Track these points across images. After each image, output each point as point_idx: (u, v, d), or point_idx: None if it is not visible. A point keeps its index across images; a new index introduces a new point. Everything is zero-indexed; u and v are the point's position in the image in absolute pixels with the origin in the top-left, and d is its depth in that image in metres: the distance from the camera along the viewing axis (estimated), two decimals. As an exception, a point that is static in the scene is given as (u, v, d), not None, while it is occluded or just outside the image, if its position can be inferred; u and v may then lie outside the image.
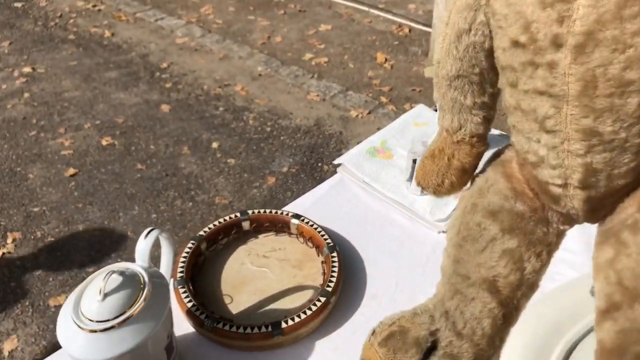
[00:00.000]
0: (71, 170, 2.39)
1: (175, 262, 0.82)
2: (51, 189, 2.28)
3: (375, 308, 0.84)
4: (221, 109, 2.87)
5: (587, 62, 0.45)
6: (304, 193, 1.07)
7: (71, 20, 3.81)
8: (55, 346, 0.75)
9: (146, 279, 0.65)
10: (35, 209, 2.17)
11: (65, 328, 0.62)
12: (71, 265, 1.93)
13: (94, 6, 4.02)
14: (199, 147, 2.57)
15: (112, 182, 2.33)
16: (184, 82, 3.10)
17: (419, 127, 1.20)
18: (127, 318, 0.62)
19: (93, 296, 0.62)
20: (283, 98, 2.98)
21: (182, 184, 2.33)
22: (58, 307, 1.77)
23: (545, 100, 0.49)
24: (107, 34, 3.64)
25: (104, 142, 2.58)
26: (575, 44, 0.45)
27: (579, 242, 0.94)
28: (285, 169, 2.43)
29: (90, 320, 0.61)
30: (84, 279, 1.82)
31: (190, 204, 2.22)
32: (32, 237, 2.05)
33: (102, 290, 0.61)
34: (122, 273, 0.64)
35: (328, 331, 0.80)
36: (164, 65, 3.28)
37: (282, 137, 2.65)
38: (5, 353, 1.64)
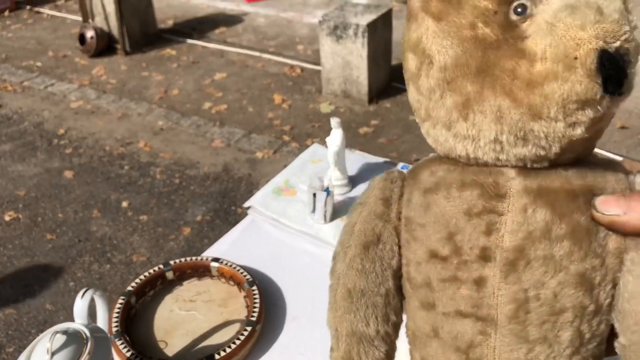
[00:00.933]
0: (-25, 251, 2.31)
1: (109, 318, 0.89)
2: (-45, 273, 2.19)
3: (296, 329, 0.95)
4: (126, 167, 2.89)
5: (518, 282, 0.41)
6: (220, 238, 1.17)
7: (-47, 96, 3.67)
8: None
9: (88, 334, 0.73)
10: (-60, 297, 2.08)
11: (16, 392, 0.68)
12: (-12, 348, 1.87)
13: (-23, 79, 3.89)
14: (108, 208, 2.57)
15: (22, 257, 2.28)
16: (85, 146, 3.08)
17: (315, 164, 1.35)
18: (74, 372, 0.69)
19: (41, 356, 0.68)
20: (188, 149, 3.05)
21: (97, 248, 2.33)
22: (-20, 393, 1.71)
23: (470, 325, 0.43)
24: (-5, 106, 3.54)
25: (7, 218, 2.51)
26: (505, 260, 0.41)
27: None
28: (199, 218, 2.49)
29: (40, 380, 0.67)
30: (4, 359, 1.77)
31: (108, 266, 2.22)
32: (-59, 326, 1.96)
33: (50, 350, 0.68)
34: (65, 332, 0.71)
35: (257, 356, 0.90)
36: (61, 131, 3.24)
37: (192, 187, 2.71)
38: None
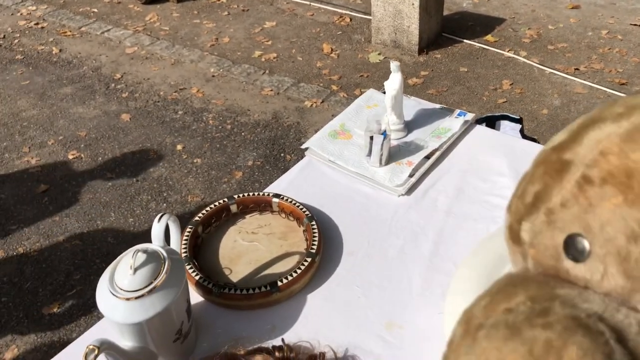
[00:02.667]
0: (42, 187, 2.46)
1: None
2: (25, 206, 2.35)
3: (353, 262, 1.00)
4: (180, 112, 2.97)
5: None
6: (271, 184, 1.21)
7: (16, 41, 3.80)
8: (57, 349, 0.87)
9: (165, 254, 0.79)
10: (13, 227, 2.24)
11: (105, 301, 0.75)
12: (57, 275, 2.02)
13: (37, 24, 4.02)
14: (164, 150, 2.67)
15: (85, 193, 2.42)
16: (140, 91, 3.18)
17: (371, 109, 1.37)
18: (154, 287, 0.76)
19: (125, 271, 0.75)
20: (239, 96, 3.10)
21: (154, 187, 2.44)
22: (52, 315, 1.86)
23: None
24: (55, 50, 3.65)
25: (70, 156, 2.65)
26: None
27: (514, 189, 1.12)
28: (250, 163, 2.56)
29: (125, 291, 0.74)
30: (72, 286, 1.92)
31: (165, 205, 2.33)
32: (15, 253, 2.12)
33: (133, 266, 0.75)
34: (145, 251, 0.77)
35: (316, 285, 0.96)
36: (118, 76, 3.34)
37: (243, 133, 2.78)
38: (8, 363, 1.72)
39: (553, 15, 3.86)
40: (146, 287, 0.75)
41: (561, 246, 0.42)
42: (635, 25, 3.67)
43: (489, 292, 0.45)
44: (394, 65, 1.21)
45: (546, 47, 3.48)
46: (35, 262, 2.08)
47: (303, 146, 1.28)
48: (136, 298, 0.74)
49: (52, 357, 0.87)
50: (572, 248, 0.41)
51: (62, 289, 1.96)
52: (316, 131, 1.32)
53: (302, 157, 1.27)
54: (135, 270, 0.75)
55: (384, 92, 1.28)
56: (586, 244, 0.41)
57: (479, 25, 3.76)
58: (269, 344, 0.84)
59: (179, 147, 2.69)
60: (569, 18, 3.81)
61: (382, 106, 1.36)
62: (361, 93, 1.45)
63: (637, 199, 0.39)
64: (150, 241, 0.83)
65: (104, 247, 2.13)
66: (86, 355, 0.66)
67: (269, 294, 0.91)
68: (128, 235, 2.16)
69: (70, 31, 3.91)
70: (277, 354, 0.82)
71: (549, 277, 0.44)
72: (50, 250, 2.13)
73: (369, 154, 1.18)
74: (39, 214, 2.30)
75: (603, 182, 0.41)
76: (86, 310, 1.87)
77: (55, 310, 1.88)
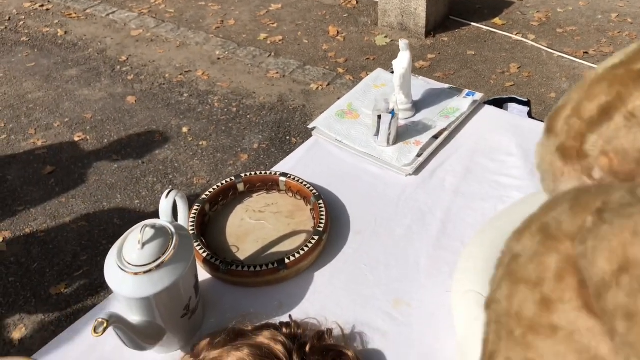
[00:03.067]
0: (48, 168, 2.46)
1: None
2: (32, 188, 2.35)
3: (360, 241, 0.99)
4: (186, 95, 2.96)
5: None
6: (277, 164, 1.21)
7: (21, 22, 3.79)
8: (64, 328, 0.87)
9: (173, 230, 0.79)
10: (20, 208, 2.25)
11: (113, 275, 0.75)
12: (64, 256, 2.03)
13: (42, 6, 4.00)
14: (170, 133, 2.67)
15: (91, 175, 2.42)
16: (146, 73, 3.17)
17: (379, 88, 1.35)
18: (162, 262, 0.76)
19: (133, 246, 0.75)
20: (244, 78, 3.09)
21: (159, 170, 2.44)
22: (60, 295, 1.88)
23: None
24: (60, 32, 3.64)
25: (76, 138, 2.65)
26: None
27: (523, 170, 1.11)
28: (256, 146, 2.56)
29: (133, 266, 0.74)
30: (79, 267, 1.93)
31: (170, 187, 2.33)
32: (22, 234, 2.13)
33: (141, 241, 0.75)
34: (153, 226, 0.77)
35: (323, 263, 0.96)
36: (123, 58, 3.33)
37: (248, 116, 2.77)
38: (16, 342, 1.74)
39: (562, -2, 3.81)
40: (154, 262, 0.75)
41: None
42: (645, 8, 3.62)
43: (563, 200, 0.44)
44: (402, 43, 1.19)
45: (555, 30, 3.44)
46: (42, 242, 2.09)
47: (310, 126, 1.27)
48: (144, 273, 0.74)
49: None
50: None
51: (69, 269, 1.97)
52: (322, 113, 1.31)
53: (308, 138, 1.27)
54: (144, 245, 0.75)
55: (392, 72, 1.27)
56: None
57: (486, 8, 3.72)
58: (277, 320, 0.84)
59: (185, 129, 2.68)
60: (579, 1, 3.76)
61: (389, 86, 1.34)
62: (367, 75, 1.43)
63: None
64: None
65: (110, 229, 2.13)
66: (95, 328, 0.67)
67: (277, 271, 0.91)
68: (134, 217, 2.17)
69: (76, 13, 3.89)
70: (284, 330, 0.82)
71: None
72: (57, 231, 2.13)
73: (377, 133, 1.17)
74: (45, 195, 2.31)
75: None
76: (93, 291, 1.88)
77: (62, 290, 1.89)
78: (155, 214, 0.82)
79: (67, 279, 1.93)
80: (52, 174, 2.43)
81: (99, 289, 1.89)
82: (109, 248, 0.79)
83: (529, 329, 0.39)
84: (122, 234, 0.81)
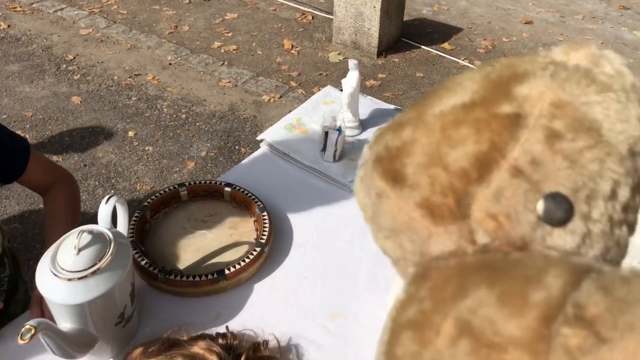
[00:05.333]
0: (-18, 166, 2.35)
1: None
2: (-37, 186, 2.24)
3: (301, 254, 1.01)
4: (134, 98, 2.91)
5: None
6: (225, 172, 1.20)
7: (-39, 12, 3.62)
8: None
9: (111, 237, 0.78)
10: (-52, 207, 2.13)
11: (44, 280, 0.73)
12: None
13: (-15, -4, 3.84)
14: (115, 136, 2.61)
15: (28, 176, 2.32)
16: (93, 74, 3.09)
17: (328, 105, 1.38)
18: (99, 268, 0.74)
19: (68, 251, 0.74)
20: (195, 85, 3.06)
21: (102, 173, 2.37)
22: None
23: None
24: (3, 25, 3.50)
25: (14, 137, 2.54)
26: None
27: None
28: (203, 154, 2.53)
29: (67, 271, 0.73)
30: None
31: (112, 191, 2.27)
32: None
33: (77, 246, 0.73)
34: (90, 232, 0.76)
35: (264, 275, 0.96)
36: (70, 57, 3.23)
37: (197, 123, 2.74)
38: None
39: (507, 28, 3.99)
40: (89, 268, 0.74)
41: (538, 208, 0.37)
42: (583, 43, 3.83)
43: (470, 283, 0.36)
44: (352, 63, 1.22)
45: (499, 58, 3.59)
46: (-29, 244, 1.98)
47: (258, 137, 1.28)
48: (79, 279, 0.73)
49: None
50: (553, 208, 0.36)
51: None
52: (272, 125, 1.32)
53: (257, 149, 1.27)
54: (80, 250, 0.74)
55: (342, 90, 1.30)
56: (569, 201, 0.36)
57: (437, 32, 3.85)
58: (213, 331, 0.84)
59: (131, 133, 2.63)
60: (522, 32, 3.95)
61: (338, 103, 1.37)
62: (319, 91, 1.46)
63: (609, 148, 0.37)
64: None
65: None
66: (22, 335, 0.65)
67: (216, 282, 0.91)
68: (72, 221, 2.10)
69: (21, 7, 3.75)
70: (220, 340, 0.82)
71: (515, 251, 0.38)
72: (-12, 232, 2.04)
73: (324, 148, 1.19)
74: (-23, 194, 2.20)
75: (574, 133, 0.37)
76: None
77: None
78: (94, 219, 0.81)
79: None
80: (-14, 172, 2.32)
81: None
82: (43, 252, 0.77)
83: None
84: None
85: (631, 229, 0.39)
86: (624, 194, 0.37)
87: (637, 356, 0.27)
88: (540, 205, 0.37)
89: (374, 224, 0.46)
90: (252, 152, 1.27)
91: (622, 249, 0.39)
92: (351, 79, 1.22)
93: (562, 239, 0.37)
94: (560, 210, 0.36)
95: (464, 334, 0.33)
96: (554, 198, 0.36)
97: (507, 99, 0.39)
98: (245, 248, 1.00)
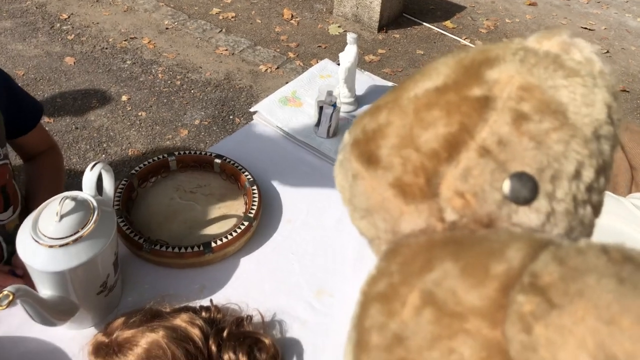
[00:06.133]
0: (-29, 124, 2.31)
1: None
2: (-49, 143, 2.20)
3: (290, 230, 0.99)
4: (129, 62, 2.85)
5: None
6: (218, 142, 1.19)
7: (-47, -37, 3.52)
8: None
9: (95, 204, 0.76)
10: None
11: (25, 246, 0.72)
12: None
13: (-21, -52, 3.72)
14: (108, 100, 2.56)
15: (18, 136, 2.29)
16: (88, 34, 3.02)
17: (324, 79, 1.35)
18: (81, 236, 0.73)
19: (50, 217, 0.72)
20: (192, 52, 3.01)
21: (94, 137, 2.34)
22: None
23: None
24: (-3, -21, 3.41)
25: (4, 95, 2.50)
26: None
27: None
28: (197, 122, 2.50)
29: (49, 238, 0.71)
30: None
31: (103, 155, 2.24)
32: None
33: (59, 212, 0.71)
34: (74, 199, 0.74)
35: (251, 249, 0.95)
36: (64, 16, 3.16)
37: (192, 91, 2.70)
38: None
39: (511, 9, 3.93)
40: (71, 235, 0.72)
41: (504, 187, 0.38)
42: (585, 28, 3.79)
43: (436, 258, 0.37)
44: (350, 37, 1.19)
45: (501, 39, 3.54)
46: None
47: (252, 109, 1.25)
48: (60, 246, 0.71)
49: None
50: (518, 187, 0.38)
51: None
52: (268, 97, 1.30)
53: (251, 121, 1.25)
54: (62, 217, 0.72)
55: (339, 64, 1.27)
56: (534, 181, 0.38)
57: (439, 10, 3.78)
58: (197, 303, 0.83)
59: (124, 97, 2.59)
60: (525, 14, 3.89)
61: (335, 77, 1.35)
62: (317, 63, 1.43)
63: (574, 130, 0.38)
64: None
65: (34, 194, 2.03)
66: (0, 300, 0.63)
67: (201, 254, 0.89)
68: (61, 184, 2.08)
69: (16, -38, 3.65)
70: (203, 314, 0.81)
71: (481, 229, 0.39)
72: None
73: (318, 124, 1.17)
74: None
75: (540, 114, 0.38)
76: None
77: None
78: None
79: None
80: (-25, 130, 2.29)
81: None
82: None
83: None
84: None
85: (596, 210, 0.41)
86: (587, 174, 0.39)
87: (584, 319, 0.29)
88: (506, 184, 0.38)
89: (350, 205, 0.48)
90: (247, 122, 1.25)
91: (586, 228, 0.41)
92: (349, 53, 1.20)
93: (527, 216, 0.38)
94: (525, 189, 0.38)
95: (428, 304, 0.34)
96: (520, 177, 0.38)
97: (478, 82, 0.40)
98: (233, 221, 0.99)
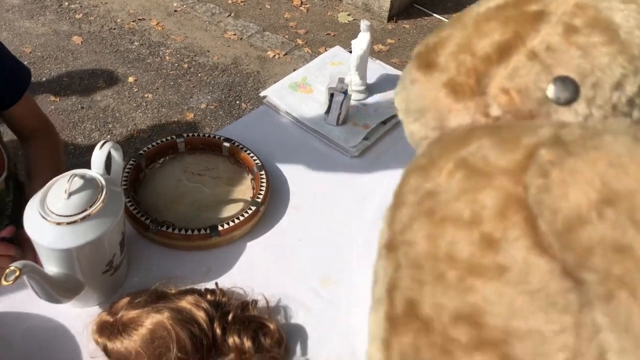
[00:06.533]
0: (-23, 100, 2.30)
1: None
2: (-44, 119, 2.19)
3: (297, 215, 0.99)
4: (136, 43, 2.84)
5: None
6: (224, 127, 1.17)
7: (-38, -63, 3.49)
8: None
9: (104, 183, 0.75)
10: (-59, 138, 2.09)
11: (33, 222, 0.71)
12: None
13: None
14: (115, 80, 2.55)
15: (24, 113, 2.28)
16: (96, 14, 3.00)
17: (335, 66, 1.34)
18: (89, 215, 0.72)
19: (58, 195, 0.71)
20: (200, 35, 2.99)
21: (99, 117, 2.33)
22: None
23: None
24: (6, -45, 3.38)
25: (11, 72, 2.49)
26: None
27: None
28: (203, 106, 2.49)
29: (57, 215, 0.71)
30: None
31: (109, 136, 2.24)
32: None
33: (68, 190, 0.71)
34: (83, 177, 0.74)
35: (258, 234, 0.95)
36: (73, -6, 3.14)
37: (199, 74, 2.69)
38: None
39: (523, 3, 3.89)
40: (79, 213, 0.72)
41: (547, 87, 0.42)
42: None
43: (474, 136, 0.42)
44: (364, 24, 1.18)
45: (512, 33, 3.51)
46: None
47: (261, 94, 1.24)
48: (68, 224, 0.71)
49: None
50: (560, 89, 0.41)
51: (-11, 209, 1.87)
52: (276, 82, 1.28)
53: (257, 107, 1.24)
54: (70, 194, 0.71)
55: (350, 51, 1.26)
56: (576, 85, 0.41)
57: (450, 1, 3.75)
58: (202, 286, 0.83)
59: (131, 79, 2.57)
60: (538, 8, 3.85)
61: (346, 65, 1.33)
62: (326, 51, 1.41)
63: (623, 47, 0.40)
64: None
65: (39, 172, 2.03)
66: (6, 276, 0.63)
67: (208, 237, 0.89)
68: (66, 162, 2.07)
69: (25, -62, 3.62)
70: (209, 296, 0.81)
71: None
72: (-20, 167, 2.01)
73: (328, 111, 1.16)
74: (-29, 128, 2.16)
75: (590, 29, 0.41)
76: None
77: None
78: (89, 164, 0.78)
79: None
80: (-19, 106, 2.28)
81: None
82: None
83: (468, 271, 0.36)
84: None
85: None
86: (630, 88, 0.41)
87: (595, 164, 0.32)
88: (549, 86, 0.42)
89: (406, 112, 0.52)
90: (253, 108, 1.24)
91: None
92: (362, 41, 1.18)
93: (566, 117, 0.41)
94: (566, 91, 0.41)
95: (461, 168, 0.39)
96: (563, 80, 0.41)
97: (536, 1, 0.44)
98: (240, 205, 0.98)
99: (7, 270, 0.63)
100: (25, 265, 0.65)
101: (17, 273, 0.63)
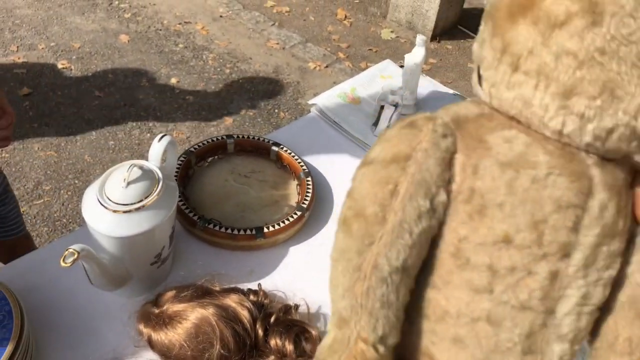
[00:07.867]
0: (25, 90, 2.37)
1: (171, 170, 0.93)
2: (5, 106, 2.26)
3: (341, 225, 0.98)
4: (181, 45, 2.89)
5: (586, 276, 0.41)
6: (261, 136, 1.17)
7: None
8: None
9: (160, 175, 0.76)
10: (-11, 124, 2.15)
11: (91, 209, 0.72)
12: (26, 182, 1.96)
13: None
14: (158, 81, 2.60)
15: (69, 106, 2.34)
16: (144, 15, 3.07)
17: (385, 80, 1.34)
18: (144, 205, 0.73)
19: (117, 183, 0.72)
20: (243, 42, 3.03)
21: (141, 115, 2.37)
22: (15, 219, 1.81)
23: (531, 317, 0.41)
24: (62, -47, 3.49)
25: (59, 65, 2.55)
26: (585, 257, 0.40)
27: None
28: (242, 112, 2.51)
29: (114, 203, 0.72)
30: (40, 196, 1.87)
31: (148, 135, 2.27)
32: (-14, 151, 2.04)
33: (127, 179, 0.72)
34: (141, 167, 0.75)
35: (301, 239, 0.94)
36: (123, -6, 3.22)
37: (240, 81, 2.72)
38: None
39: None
40: (136, 203, 0.73)
41: None
42: None
43: None
44: (420, 38, 1.18)
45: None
46: (5, 163, 2.01)
47: (310, 101, 1.25)
48: (124, 212, 0.72)
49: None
50: None
51: (29, 196, 1.91)
52: (315, 94, 1.29)
53: (295, 117, 1.24)
54: (129, 184, 0.73)
55: (401, 66, 1.26)
56: None
57: (494, 25, 3.73)
58: (245, 286, 0.83)
59: (174, 80, 2.62)
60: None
61: (396, 78, 1.33)
62: (367, 66, 1.42)
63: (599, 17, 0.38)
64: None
65: (79, 164, 2.07)
66: (65, 258, 0.64)
67: (253, 238, 0.89)
68: (106, 157, 2.11)
69: (82, -62, 3.73)
70: (251, 297, 0.81)
71: None
72: (23, 155, 2.06)
73: (376, 123, 1.16)
74: (17, 116, 2.21)
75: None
76: (50, 224, 1.83)
77: (19, 215, 1.83)
78: (128, 159, 0.79)
79: (24, 206, 1.86)
80: (28, 96, 2.34)
81: (57, 222, 1.83)
82: (74, 184, 0.76)
83: None
84: (90, 172, 0.78)
85: None
86: None
87: None
88: None
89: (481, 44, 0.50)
90: (291, 117, 1.25)
91: None
92: (416, 55, 1.18)
93: None
94: None
95: None
96: None
97: None
98: (284, 209, 0.98)
99: (66, 252, 0.64)
100: (83, 248, 0.66)
101: (75, 256, 0.64)
